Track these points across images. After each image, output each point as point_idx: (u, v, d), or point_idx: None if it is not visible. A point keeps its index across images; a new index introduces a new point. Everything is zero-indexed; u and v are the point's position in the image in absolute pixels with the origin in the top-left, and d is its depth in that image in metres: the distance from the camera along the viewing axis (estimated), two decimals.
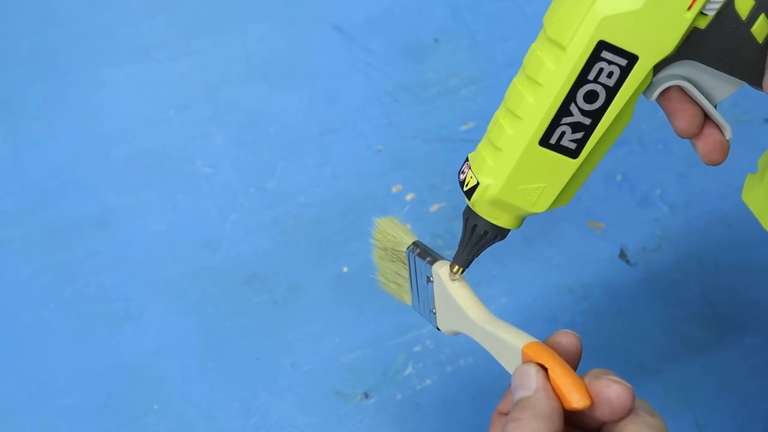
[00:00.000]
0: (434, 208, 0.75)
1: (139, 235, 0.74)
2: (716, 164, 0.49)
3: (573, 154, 0.47)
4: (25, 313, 0.71)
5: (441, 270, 0.52)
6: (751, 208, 0.50)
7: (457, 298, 0.52)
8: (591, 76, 0.45)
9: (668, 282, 0.71)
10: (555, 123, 0.46)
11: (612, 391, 0.43)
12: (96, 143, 0.78)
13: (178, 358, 0.69)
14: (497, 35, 0.82)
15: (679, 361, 0.68)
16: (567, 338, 0.47)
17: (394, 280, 0.57)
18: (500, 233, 0.51)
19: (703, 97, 0.47)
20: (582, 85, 0.45)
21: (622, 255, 0.73)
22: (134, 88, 0.80)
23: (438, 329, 0.54)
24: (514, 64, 0.82)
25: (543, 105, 0.46)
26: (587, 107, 0.46)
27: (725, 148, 0.49)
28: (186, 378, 0.68)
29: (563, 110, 0.46)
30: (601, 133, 0.46)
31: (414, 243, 0.54)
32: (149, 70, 0.81)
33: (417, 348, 0.69)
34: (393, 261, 0.56)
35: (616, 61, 0.44)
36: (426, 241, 0.73)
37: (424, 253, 0.53)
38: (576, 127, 0.46)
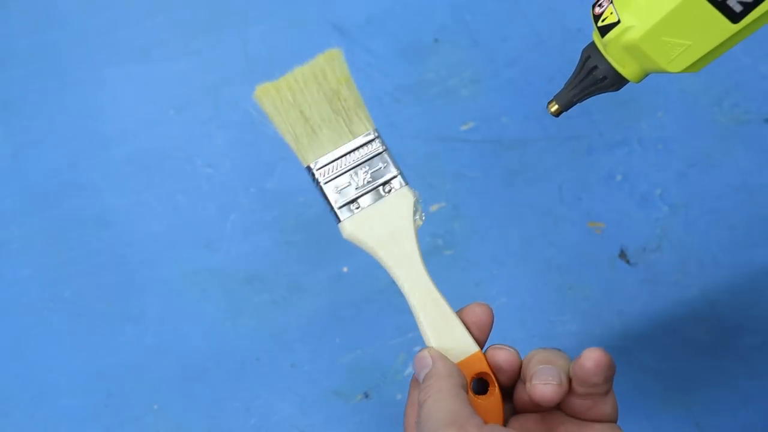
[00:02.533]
0: (434, 208, 0.75)
1: (139, 235, 0.74)
2: None
3: (735, 18, 0.42)
4: (25, 313, 0.71)
5: (414, 197, 0.49)
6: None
7: (415, 237, 0.49)
8: None
9: (668, 282, 0.71)
10: None
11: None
12: (96, 143, 0.78)
13: (178, 358, 0.69)
14: (497, 35, 0.82)
15: (679, 361, 0.68)
16: (481, 308, 0.50)
17: (314, 117, 0.47)
18: (618, 82, 0.46)
19: None
20: None
21: (622, 255, 0.72)
22: (134, 88, 0.80)
23: (338, 220, 0.52)
24: (514, 64, 0.82)
25: None
26: None
27: None
28: (186, 378, 0.68)
29: None
30: None
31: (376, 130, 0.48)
32: (149, 70, 0.81)
33: (417, 348, 0.69)
34: (326, 98, 0.47)
35: None
36: (426, 241, 0.73)
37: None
38: None
